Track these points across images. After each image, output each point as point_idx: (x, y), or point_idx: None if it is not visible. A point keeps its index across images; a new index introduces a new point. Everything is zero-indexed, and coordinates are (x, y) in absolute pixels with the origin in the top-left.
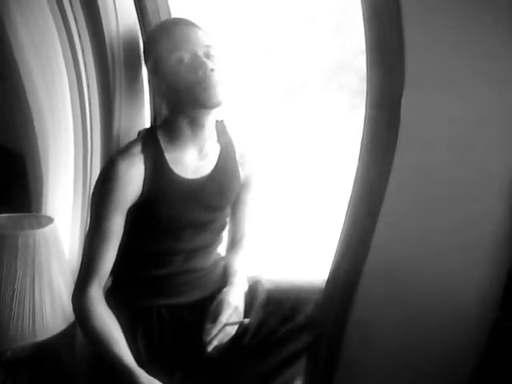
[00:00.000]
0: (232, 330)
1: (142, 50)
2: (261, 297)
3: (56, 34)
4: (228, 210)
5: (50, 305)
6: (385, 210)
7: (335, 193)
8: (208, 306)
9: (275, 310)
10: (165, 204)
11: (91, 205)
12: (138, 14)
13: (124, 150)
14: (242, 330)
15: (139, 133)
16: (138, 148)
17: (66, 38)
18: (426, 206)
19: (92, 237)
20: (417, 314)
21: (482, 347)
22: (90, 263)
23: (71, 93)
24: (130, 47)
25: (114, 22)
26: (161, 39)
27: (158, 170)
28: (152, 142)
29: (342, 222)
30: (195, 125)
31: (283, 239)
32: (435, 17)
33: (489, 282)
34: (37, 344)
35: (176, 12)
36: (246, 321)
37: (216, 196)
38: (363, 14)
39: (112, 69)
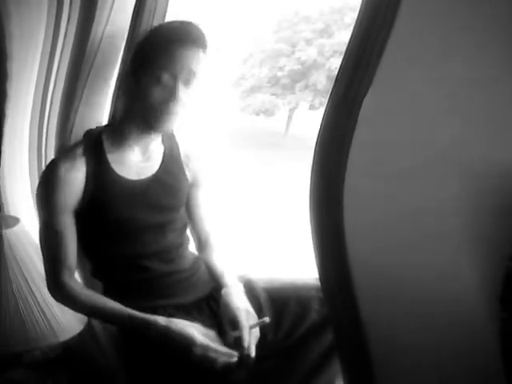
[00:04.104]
0: (257, 332)
1: (121, 51)
2: (262, 296)
3: (43, 31)
4: (184, 210)
5: (55, 302)
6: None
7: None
8: (212, 306)
9: (282, 309)
10: (110, 206)
11: (37, 205)
12: (133, 14)
13: (66, 152)
14: (262, 332)
15: (84, 134)
16: (80, 150)
17: (51, 36)
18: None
19: (45, 236)
20: (420, 311)
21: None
22: (53, 259)
23: (36, 87)
24: (110, 48)
25: (104, 21)
26: (155, 53)
27: (99, 171)
28: (95, 144)
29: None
30: (143, 130)
31: (257, 238)
32: (429, 22)
33: (479, 273)
34: (63, 344)
35: (172, 13)
36: (267, 319)
37: (164, 196)
38: (359, 9)
39: (83, 69)
